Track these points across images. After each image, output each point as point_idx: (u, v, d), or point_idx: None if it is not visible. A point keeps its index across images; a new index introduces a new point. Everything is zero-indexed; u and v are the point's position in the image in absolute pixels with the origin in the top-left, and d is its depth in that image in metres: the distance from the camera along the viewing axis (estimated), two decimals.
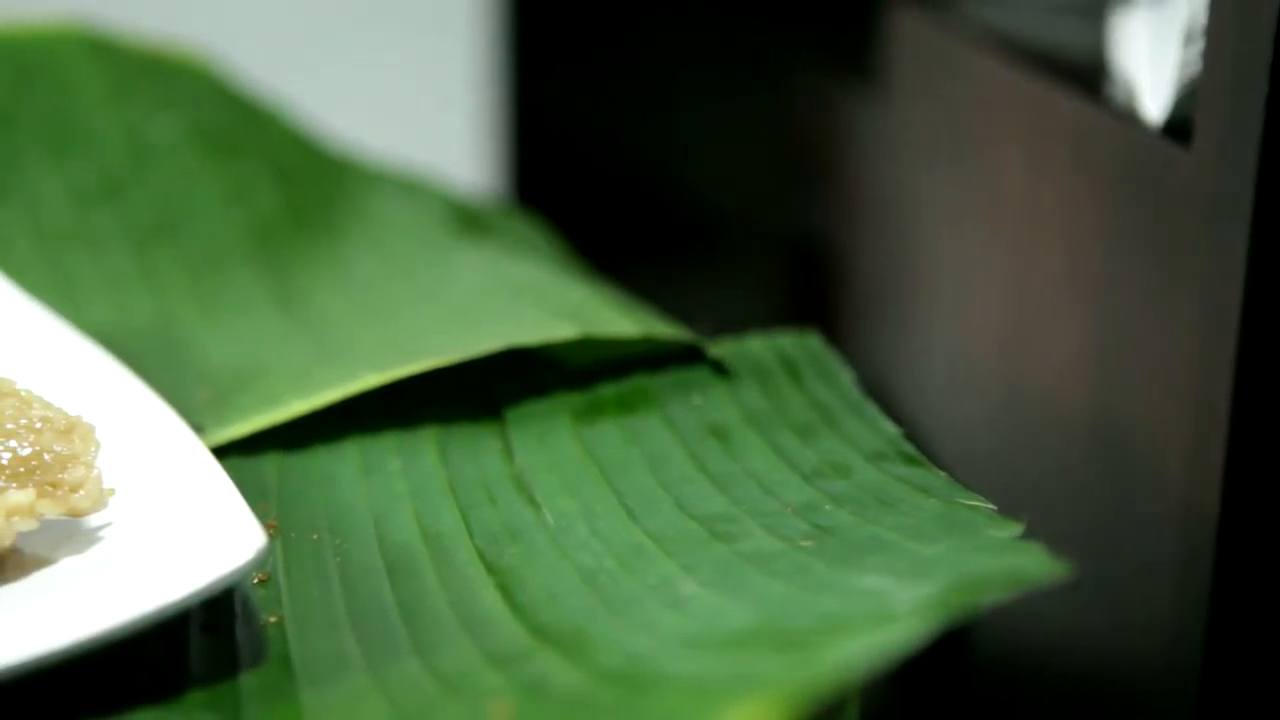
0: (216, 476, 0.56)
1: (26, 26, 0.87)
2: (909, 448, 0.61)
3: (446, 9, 1.24)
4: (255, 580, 0.56)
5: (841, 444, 0.63)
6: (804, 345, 0.71)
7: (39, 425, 0.55)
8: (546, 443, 0.64)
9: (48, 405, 0.56)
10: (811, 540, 0.54)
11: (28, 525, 0.53)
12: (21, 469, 0.54)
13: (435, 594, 0.54)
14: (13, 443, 0.54)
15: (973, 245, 0.80)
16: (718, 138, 1.16)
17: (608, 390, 0.68)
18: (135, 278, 0.80)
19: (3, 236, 0.79)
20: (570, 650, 0.49)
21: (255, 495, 0.61)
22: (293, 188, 0.86)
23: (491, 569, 0.56)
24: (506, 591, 0.54)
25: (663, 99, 1.17)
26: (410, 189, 0.90)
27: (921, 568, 0.50)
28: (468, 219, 0.89)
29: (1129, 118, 0.67)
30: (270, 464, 0.64)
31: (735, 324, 0.78)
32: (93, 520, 0.55)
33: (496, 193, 1.19)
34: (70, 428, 0.56)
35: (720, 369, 0.69)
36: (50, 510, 0.54)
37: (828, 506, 0.57)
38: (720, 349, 0.70)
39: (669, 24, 1.15)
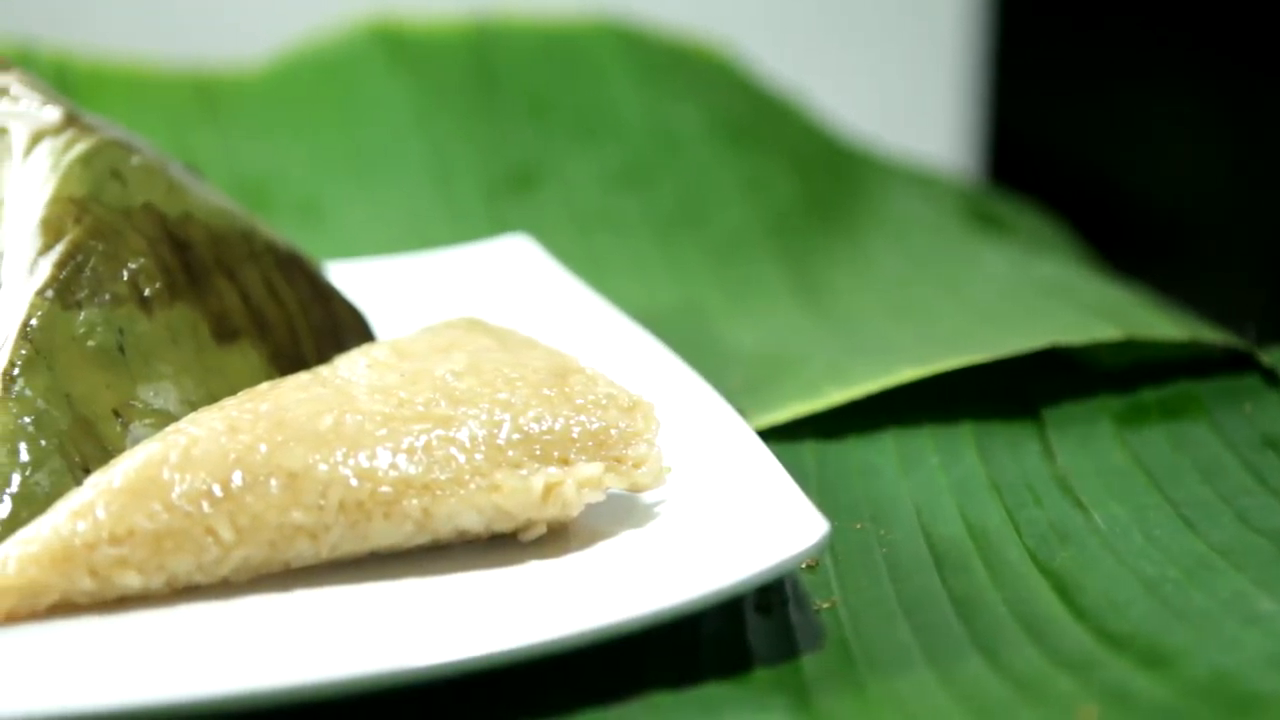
0: (769, 461, 0.57)
1: (562, 18, 0.90)
2: None
3: (936, 9, 1.23)
4: (803, 565, 0.56)
5: None
6: None
7: (604, 402, 0.57)
8: (1089, 445, 0.63)
9: (611, 383, 0.58)
10: None
11: (595, 497, 0.55)
12: (590, 443, 0.56)
13: (989, 591, 0.54)
14: (582, 417, 0.56)
15: None
16: (1206, 140, 1.11)
17: (1149, 394, 0.66)
18: (660, 262, 0.82)
19: (542, 218, 0.83)
20: (1148, 661, 0.47)
21: (795, 481, 0.62)
22: (810, 179, 0.87)
23: (1044, 570, 0.55)
24: (1065, 594, 0.53)
25: (1144, 100, 1.13)
26: (924, 183, 0.90)
27: None
28: (983, 214, 0.88)
29: None
30: (808, 451, 0.65)
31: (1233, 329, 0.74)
32: (648, 496, 0.57)
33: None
34: (633, 406, 0.57)
35: (1272, 377, 0.66)
36: (615, 484, 0.55)
37: None
38: (1272, 356, 0.67)
39: (1154, 24, 1.11)
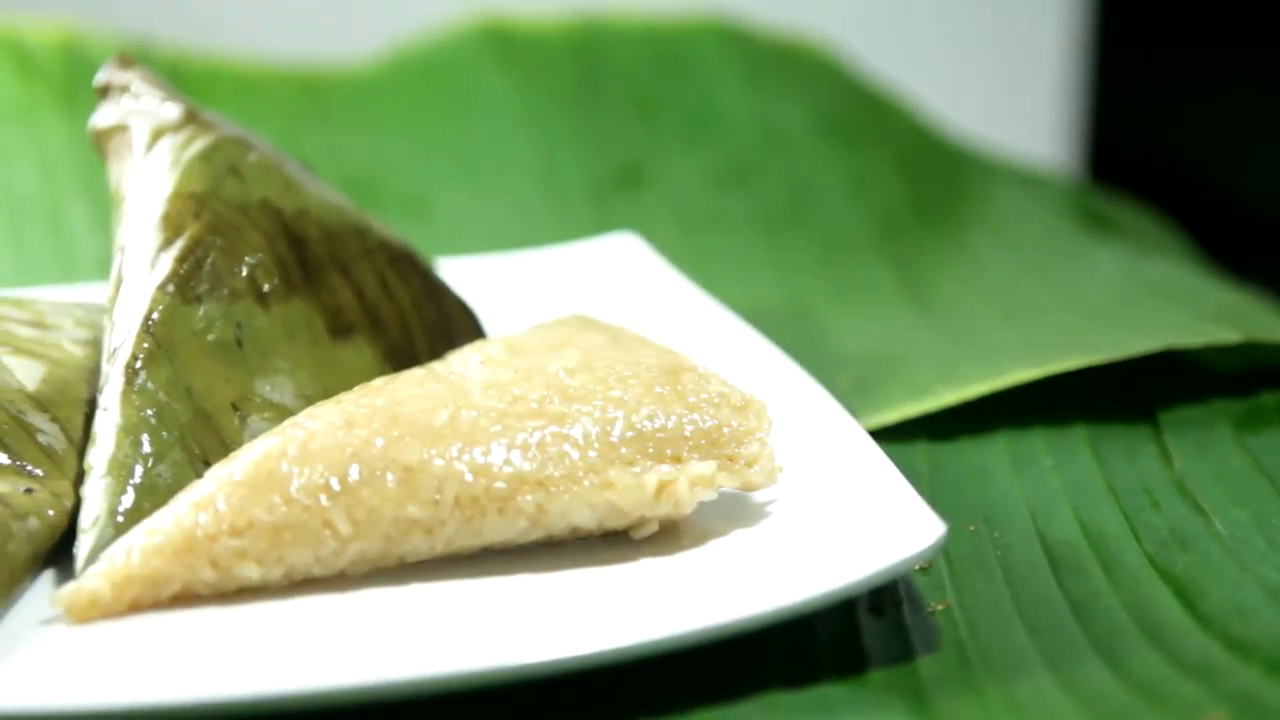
0: (882, 461, 0.56)
1: (668, 17, 0.90)
2: None
3: (1038, 7, 1.22)
4: (918, 567, 0.56)
5: None
6: None
7: (717, 400, 0.57)
8: (1207, 449, 0.62)
9: (723, 381, 0.58)
10: None
11: (707, 495, 0.54)
12: (703, 441, 0.55)
13: (1108, 596, 0.53)
14: (695, 415, 0.56)
15: None
16: None
17: (1268, 398, 0.65)
18: (766, 261, 0.82)
19: (648, 216, 0.83)
20: (1277, 669, 0.47)
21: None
22: (915, 178, 0.86)
23: (1165, 575, 0.54)
24: (1186, 600, 0.52)
25: (1247, 98, 1.11)
26: (1030, 182, 0.89)
27: None
28: (1091, 214, 0.87)
29: None
30: (919, 453, 0.64)
31: None
32: (760, 496, 0.57)
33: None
34: (745, 404, 0.57)
35: None
36: (727, 483, 0.55)
37: None
38: None
39: (1256, 20, 1.09)
